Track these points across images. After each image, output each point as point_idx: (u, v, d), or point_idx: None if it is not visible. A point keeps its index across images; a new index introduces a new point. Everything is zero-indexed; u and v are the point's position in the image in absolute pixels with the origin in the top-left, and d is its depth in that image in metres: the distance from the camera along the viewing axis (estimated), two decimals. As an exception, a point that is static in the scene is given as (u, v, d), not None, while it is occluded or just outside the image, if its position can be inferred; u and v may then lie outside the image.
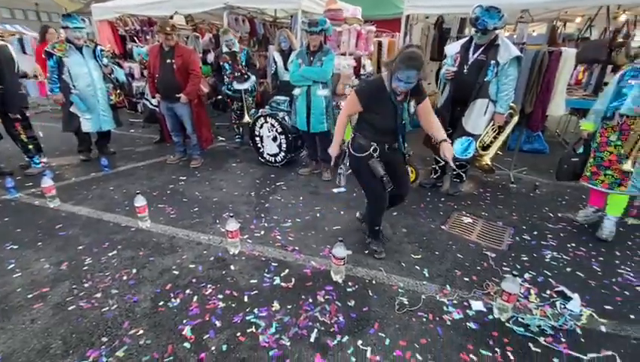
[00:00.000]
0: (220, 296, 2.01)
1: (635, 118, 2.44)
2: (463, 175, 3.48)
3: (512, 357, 1.67)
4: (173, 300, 1.98)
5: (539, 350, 1.72)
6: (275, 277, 2.19)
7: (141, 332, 1.75)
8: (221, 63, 4.53)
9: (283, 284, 2.13)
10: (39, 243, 2.52)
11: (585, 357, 1.68)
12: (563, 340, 1.78)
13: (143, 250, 2.46)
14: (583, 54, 4.40)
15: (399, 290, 2.12)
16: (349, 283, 2.16)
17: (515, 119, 3.32)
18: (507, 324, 1.87)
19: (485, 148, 3.23)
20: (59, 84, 3.80)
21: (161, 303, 1.95)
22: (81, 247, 2.48)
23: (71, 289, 2.05)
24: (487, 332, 1.82)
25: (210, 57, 5.95)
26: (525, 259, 2.48)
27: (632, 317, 1.96)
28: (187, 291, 2.05)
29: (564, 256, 2.52)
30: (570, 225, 2.98)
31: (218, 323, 1.81)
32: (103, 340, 1.70)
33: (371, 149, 2.15)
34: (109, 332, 1.76)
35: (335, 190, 3.56)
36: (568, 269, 2.38)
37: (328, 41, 4.72)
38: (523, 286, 2.16)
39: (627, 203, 2.75)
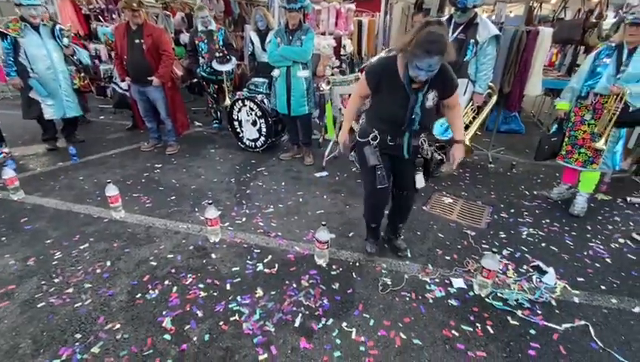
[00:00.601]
0: (201, 286, 1.96)
1: (607, 97, 2.50)
2: (443, 156, 3.50)
3: (491, 331, 1.72)
4: (151, 292, 1.90)
5: (517, 323, 1.78)
6: (257, 264, 2.15)
7: (118, 326, 1.68)
8: (196, 43, 4.30)
9: (266, 270, 2.10)
10: (3, 239, 2.36)
11: (560, 328, 1.75)
12: (539, 312, 1.85)
13: (117, 241, 2.35)
14: (558, 34, 4.47)
15: (382, 271, 2.13)
16: (333, 267, 2.15)
17: (494, 99, 3.35)
18: (487, 300, 1.92)
19: (464, 128, 3.25)
20: (15, 68, 3.50)
21: (138, 295, 1.88)
22: (49, 241, 2.34)
23: (40, 286, 1.94)
24: (468, 308, 1.87)
25: (184, 38, 5.65)
26: (503, 236, 2.55)
27: (602, 287, 2.06)
28: (166, 282, 1.98)
29: (540, 232, 2.60)
30: (545, 202, 3.09)
31: (199, 313, 1.77)
32: (76, 337, 1.62)
33: (370, 136, 1.88)
34: (82, 328, 1.67)
35: (317, 174, 3.52)
36: (543, 244, 2.46)
37: (307, 20, 4.57)
38: (502, 262, 2.22)
39: (598, 179, 2.86)
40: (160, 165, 3.65)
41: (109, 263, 2.13)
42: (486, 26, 2.84)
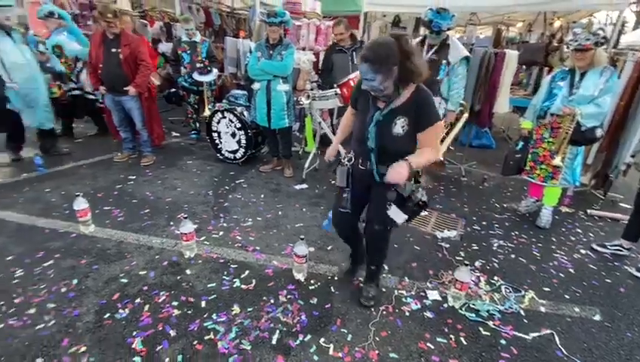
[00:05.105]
0: (175, 303, 1.89)
1: (563, 116, 2.68)
2: (419, 170, 3.62)
3: (465, 342, 1.77)
4: (121, 311, 1.82)
5: (488, 333, 1.84)
6: (234, 280, 2.11)
7: (83, 349, 1.59)
8: (179, 52, 4.27)
9: (243, 286, 2.06)
10: (-44, 256, 2.20)
11: (528, 337, 1.83)
12: (509, 322, 1.92)
13: (85, 257, 2.24)
14: (523, 56, 4.78)
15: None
16: (312, 281, 2.14)
17: (466, 116, 3.51)
18: (460, 311, 1.98)
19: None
20: None
21: (107, 315, 1.79)
22: (10, 258, 2.20)
23: (-3, 307, 1.81)
24: (442, 320, 1.91)
25: (162, 47, 5.59)
26: (476, 248, 2.64)
27: (566, 296, 2.17)
28: (137, 300, 1.90)
29: (509, 244, 2.72)
30: (514, 214, 3.24)
31: (172, 333, 1.71)
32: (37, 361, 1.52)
33: (346, 158, 1.78)
34: (45, 351, 1.57)
35: (297, 186, 3.52)
36: (512, 256, 2.57)
37: (288, 35, 4.65)
38: (474, 274, 2.30)
39: (561, 193, 3.04)
40: (134, 177, 3.54)
41: (75, 281, 2.02)
42: (457, 48, 3.00)
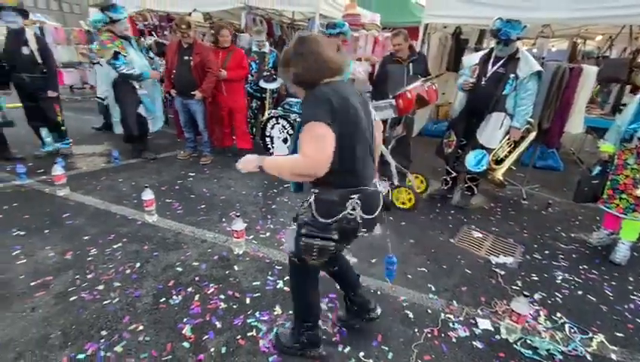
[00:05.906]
0: (222, 296, 1.99)
1: None
2: (475, 188, 3.42)
3: (519, 382, 1.61)
4: (174, 297, 1.96)
5: (547, 375, 1.65)
6: (278, 281, 2.16)
7: (141, 328, 1.74)
8: (248, 62, 4.58)
9: (286, 288, 2.09)
10: (46, 231, 2.53)
11: (596, 387, 1.61)
12: (573, 367, 1.71)
13: (147, 244, 2.45)
14: (604, 72, 4.32)
15: (404, 303, 2.06)
16: (353, 292, 2.11)
17: (533, 135, 3.25)
18: (515, 346, 1.81)
19: (498, 162, 3.17)
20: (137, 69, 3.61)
21: (162, 300, 1.94)
22: (86, 238, 2.48)
23: (74, 280, 2.05)
24: (493, 352, 1.76)
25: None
26: (536, 278, 2.41)
27: (646, 347, 1.88)
28: (189, 289, 2.03)
29: (576, 279, 2.44)
30: (583, 246, 2.90)
31: (218, 324, 1.79)
32: (102, 334, 1.69)
33: None
34: (108, 325, 1.74)
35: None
36: (579, 292, 2.30)
37: (345, 46, 4.72)
38: (533, 306, 2.09)
39: (644, 228, 2.66)
40: (193, 174, 3.81)
41: (138, 265, 2.22)
42: (528, 61, 2.80)
